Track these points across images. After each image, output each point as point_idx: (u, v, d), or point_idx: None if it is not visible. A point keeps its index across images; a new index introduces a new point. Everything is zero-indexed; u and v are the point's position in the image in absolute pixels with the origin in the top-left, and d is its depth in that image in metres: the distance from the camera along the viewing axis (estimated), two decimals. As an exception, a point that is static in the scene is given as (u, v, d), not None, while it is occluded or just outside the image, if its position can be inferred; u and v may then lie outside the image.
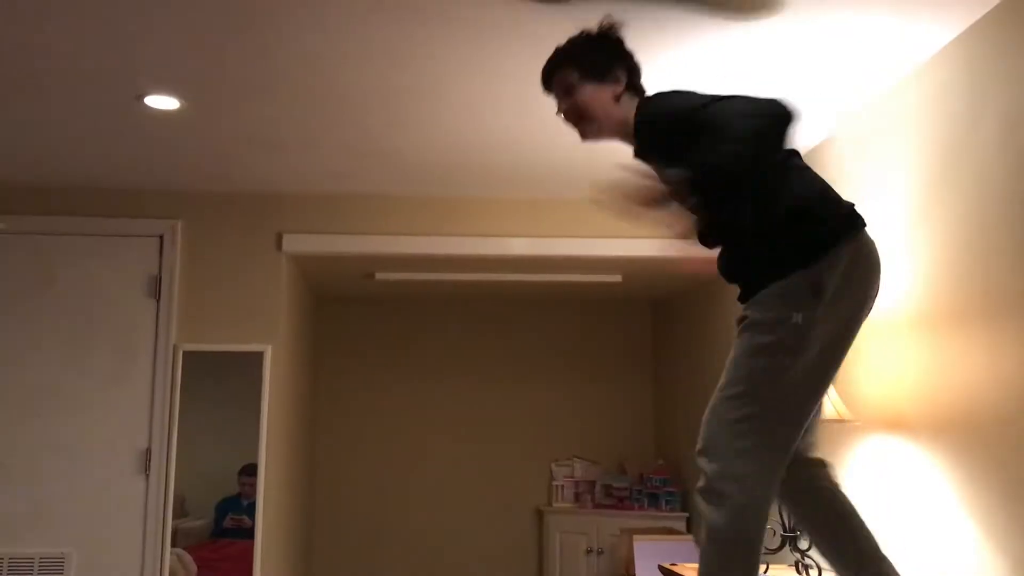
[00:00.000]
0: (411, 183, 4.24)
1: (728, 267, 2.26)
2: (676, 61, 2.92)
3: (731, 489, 2.03)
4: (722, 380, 2.14)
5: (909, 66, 2.94)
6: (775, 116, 2.08)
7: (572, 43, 2.31)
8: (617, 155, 3.48)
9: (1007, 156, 2.46)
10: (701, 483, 2.09)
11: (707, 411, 2.14)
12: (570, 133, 3.48)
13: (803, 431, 2.23)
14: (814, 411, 2.14)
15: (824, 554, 2.32)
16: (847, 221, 2.12)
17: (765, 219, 2.11)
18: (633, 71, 2.32)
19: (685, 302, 5.65)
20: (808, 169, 2.22)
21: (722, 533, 2.04)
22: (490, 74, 3.03)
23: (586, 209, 4.45)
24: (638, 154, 2.30)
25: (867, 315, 2.16)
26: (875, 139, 3.20)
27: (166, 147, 3.76)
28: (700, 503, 2.09)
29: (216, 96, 3.22)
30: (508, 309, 6.25)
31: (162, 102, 3.27)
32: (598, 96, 2.26)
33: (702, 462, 2.09)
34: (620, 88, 2.28)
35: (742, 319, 2.14)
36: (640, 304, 6.28)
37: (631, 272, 5.01)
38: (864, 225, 2.15)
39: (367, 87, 3.14)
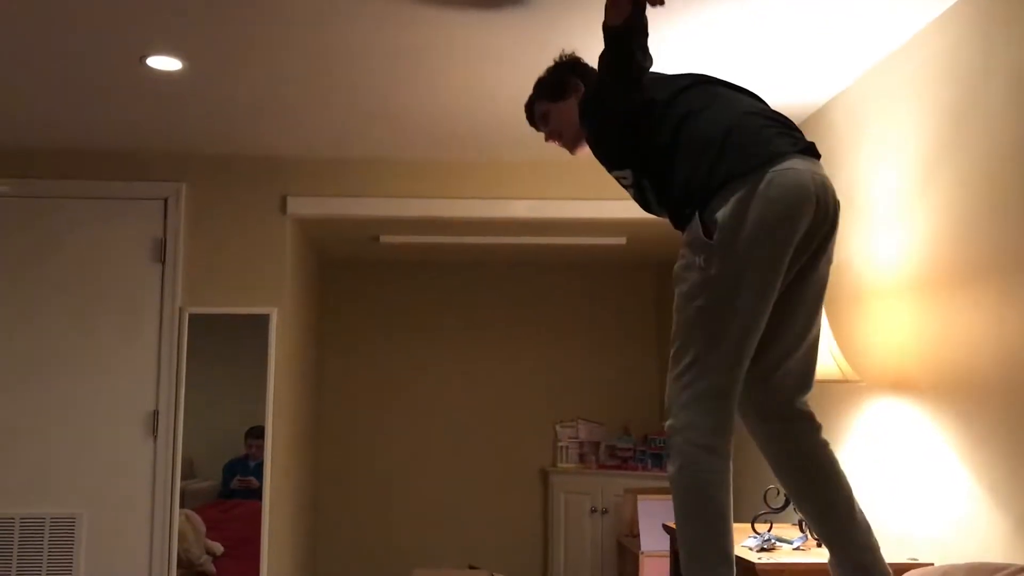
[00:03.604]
0: (415, 146, 4.22)
1: (670, 219, 2.30)
2: (674, 33, 2.90)
3: (678, 442, 2.10)
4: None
5: (917, 25, 2.91)
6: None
7: (537, 81, 2.57)
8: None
9: (1017, 115, 2.44)
10: (665, 443, 2.16)
11: None
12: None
13: (778, 377, 2.23)
14: (745, 350, 2.10)
15: (796, 507, 2.32)
16: (740, 159, 2.08)
17: (670, 170, 2.19)
18: (588, 76, 2.49)
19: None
20: (714, 108, 2.20)
21: (676, 485, 2.10)
22: (493, 34, 3.00)
23: (590, 171, 4.43)
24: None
25: (786, 248, 2.07)
26: (882, 100, 3.18)
27: (169, 109, 3.74)
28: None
29: (219, 57, 3.21)
30: (513, 272, 6.26)
31: (165, 63, 3.25)
32: (564, 110, 2.50)
33: (666, 424, 2.15)
34: (580, 96, 2.47)
35: None
36: (645, 266, 6.28)
37: (635, 235, 5.00)
38: (767, 161, 2.07)
39: (371, 48, 3.12)
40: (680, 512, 2.10)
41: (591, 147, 2.42)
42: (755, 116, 2.19)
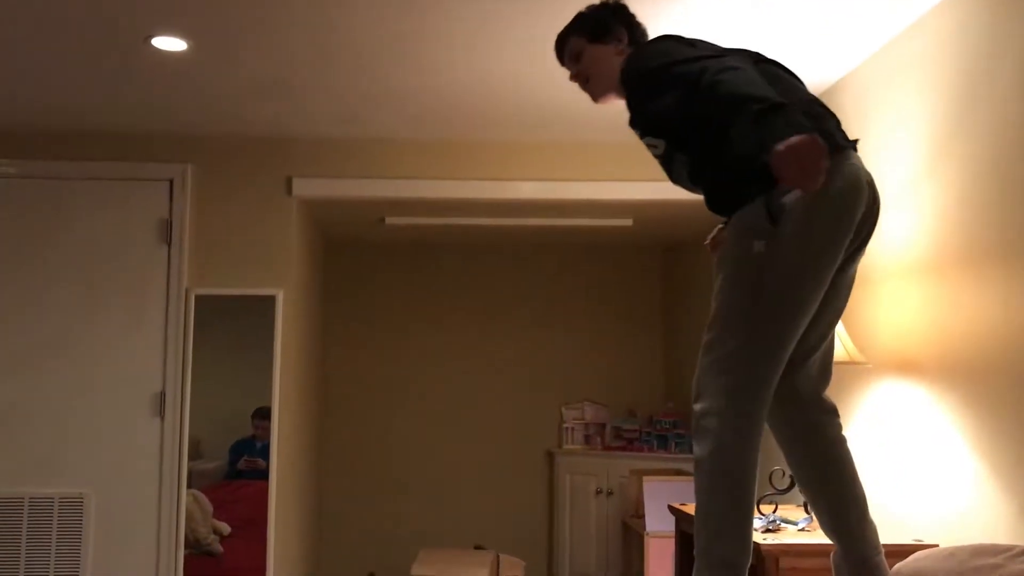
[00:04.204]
0: (421, 127, 4.21)
1: (707, 200, 2.26)
2: (680, 12, 2.88)
3: (713, 424, 2.06)
4: (708, 322, 2.16)
5: (926, 6, 2.89)
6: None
7: (578, 15, 2.43)
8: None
9: (1025, 96, 2.43)
10: (692, 424, 2.13)
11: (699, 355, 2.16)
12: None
13: (806, 367, 2.24)
14: (793, 341, 2.09)
15: (809, 500, 2.33)
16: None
17: (726, 146, 2.07)
18: (634, 28, 2.39)
19: (696, 247, 5.63)
20: (777, 91, 2.07)
21: (706, 466, 2.07)
22: (498, 14, 2.99)
23: (596, 152, 4.42)
24: (628, 107, 2.33)
25: (845, 241, 2.08)
26: (891, 81, 3.15)
27: (174, 90, 3.73)
28: (693, 444, 2.13)
29: (224, 38, 3.19)
30: (519, 254, 6.25)
31: (170, 44, 3.24)
32: (601, 55, 2.37)
33: (694, 405, 2.12)
34: (622, 46, 2.37)
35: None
36: (651, 248, 6.27)
37: (642, 216, 4.99)
38: (839, 149, 2.07)
39: (375, 29, 3.10)
40: (706, 495, 2.08)
41: (629, 109, 2.30)
42: (814, 104, 2.16)
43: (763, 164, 1.87)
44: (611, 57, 2.35)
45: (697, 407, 2.11)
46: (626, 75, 2.29)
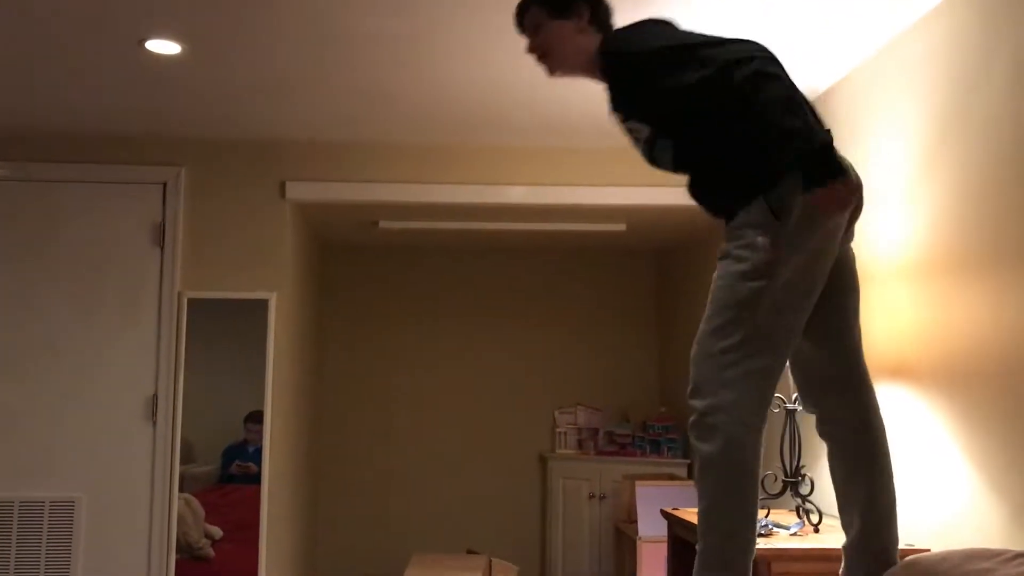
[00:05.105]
0: (415, 131, 4.21)
1: (703, 199, 2.27)
2: (673, 16, 2.88)
3: (721, 420, 2.04)
4: (705, 314, 2.15)
5: (919, 12, 2.90)
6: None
7: None
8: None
9: (1018, 101, 2.44)
10: (692, 419, 2.10)
11: (693, 348, 2.15)
12: (570, 79, 3.45)
13: (823, 364, 2.28)
14: (797, 332, 2.13)
15: (843, 476, 2.33)
16: (809, 144, 2.01)
17: (726, 145, 2.10)
18: (596, 5, 2.35)
19: (689, 252, 5.64)
20: (777, 88, 2.05)
21: (717, 462, 2.05)
22: (488, 19, 2.99)
23: (589, 156, 4.42)
24: (610, 93, 2.31)
25: (839, 239, 2.15)
26: (884, 84, 3.17)
27: (168, 93, 3.73)
28: (692, 439, 2.11)
29: (218, 41, 3.19)
30: (512, 258, 6.25)
31: (163, 47, 3.24)
32: (560, 31, 2.33)
33: (694, 401, 2.10)
34: (583, 23, 2.33)
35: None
36: (644, 253, 6.28)
37: (635, 221, 5.00)
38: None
39: (369, 32, 3.10)
40: (717, 491, 2.06)
41: (613, 90, 2.27)
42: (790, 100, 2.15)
43: (772, 172, 1.98)
44: (571, 34, 2.31)
45: (699, 404, 2.08)
46: (614, 56, 2.24)
